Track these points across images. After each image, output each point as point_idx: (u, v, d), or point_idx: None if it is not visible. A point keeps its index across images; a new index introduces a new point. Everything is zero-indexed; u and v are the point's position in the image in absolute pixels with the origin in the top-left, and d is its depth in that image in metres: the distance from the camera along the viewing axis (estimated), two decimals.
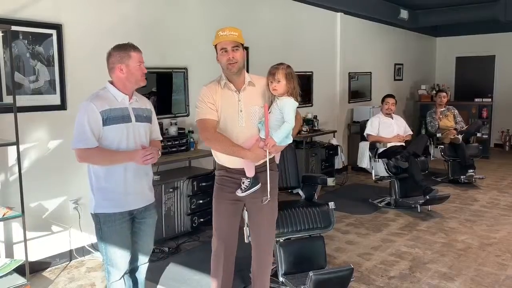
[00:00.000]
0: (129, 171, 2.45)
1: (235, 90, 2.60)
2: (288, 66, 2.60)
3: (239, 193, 2.60)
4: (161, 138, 2.81)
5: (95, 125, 2.35)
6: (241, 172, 2.61)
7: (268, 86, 2.61)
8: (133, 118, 2.49)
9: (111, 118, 2.38)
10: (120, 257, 2.50)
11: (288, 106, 2.53)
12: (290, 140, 2.62)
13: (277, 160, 2.81)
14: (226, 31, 2.55)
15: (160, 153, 2.58)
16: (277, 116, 2.55)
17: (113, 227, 2.44)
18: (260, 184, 2.60)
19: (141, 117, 2.54)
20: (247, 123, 2.58)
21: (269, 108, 2.57)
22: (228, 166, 2.67)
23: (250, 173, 2.58)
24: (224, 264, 2.76)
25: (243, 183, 2.60)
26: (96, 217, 2.47)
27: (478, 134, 7.52)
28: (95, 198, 2.46)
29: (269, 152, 2.56)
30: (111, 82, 2.50)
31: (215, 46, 2.61)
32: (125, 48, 2.46)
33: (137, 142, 2.48)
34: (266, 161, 2.60)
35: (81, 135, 2.34)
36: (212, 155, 4.53)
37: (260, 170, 2.63)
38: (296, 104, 2.56)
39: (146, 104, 2.65)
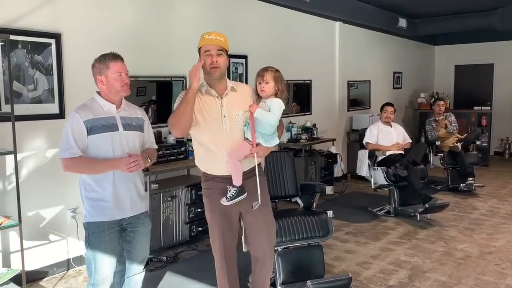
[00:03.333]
0: (118, 179, 2.45)
1: (217, 96, 2.59)
2: (277, 70, 2.61)
3: (224, 202, 2.55)
4: (156, 147, 2.78)
5: (78, 135, 2.37)
6: (228, 179, 2.58)
7: (255, 87, 2.62)
8: (120, 127, 2.48)
9: (95, 127, 2.39)
10: (108, 267, 2.48)
11: (276, 104, 2.52)
12: (276, 141, 2.60)
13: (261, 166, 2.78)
14: (212, 35, 2.55)
15: (150, 160, 2.55)
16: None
17: (102, 237, 2.44)
18: (246, 193, 2.56)
19: (130, 125, 2.53)
20: (232, 128, 2.56)
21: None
22: (214, 173, 2.63)
23: (237, 181, 2.54)
24: (228, 273, 2.74)
25: (229, 191, 2.56)
26: (86, 226, 2.48)
27: (478, 142, 7.53)
28: (85, 208, 2.48)
29: (256, 156, 2.54)
30: (99, 92, 2.52)
31: (199, 49, 2.61)
32: (104, 59, 2.45)
33: (125, 151, 2.46)
34: (252, 168, 2.60)
35: (65, 145, 2.37)
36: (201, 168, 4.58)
37: (246, 177, 2.60)
38: (283, 106, 2.56)
39: (138, 113, 2.63)
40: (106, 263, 2.47)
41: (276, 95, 2.57)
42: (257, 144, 2.52)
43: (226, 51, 2.60)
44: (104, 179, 2.43)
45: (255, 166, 2.60)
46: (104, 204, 2.44)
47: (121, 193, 2.47)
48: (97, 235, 2.44)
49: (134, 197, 2.55)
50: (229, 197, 2.55)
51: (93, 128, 2.38)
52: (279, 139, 2.68)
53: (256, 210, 2.61)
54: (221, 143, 2.55)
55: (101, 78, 2.45)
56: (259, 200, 2.57)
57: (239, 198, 2.55)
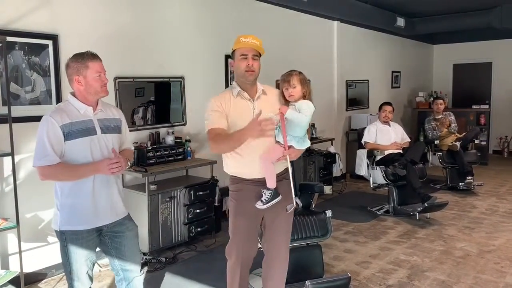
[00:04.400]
0: (97, 184, 2.34)
1: (249, 99, 2.57)
2: (300, 72, 2.60)
3: (259, 205, 2.52)
4: (132, 148, 2.70)
5: (55, 141, 2.24)
6: (259, 182, 2.56)
7: (282, 94, 2.60)
8: (98, 130, 2.37)
9: (73, 132, 2.27)
10: (85, 272, 2.40)
11: (305, 105, 2.50)
12: (308, 144, 2.58)
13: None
14: (249, 38, 2.52)
15: (129, 162, 2.47)
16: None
17: (80, 244, 2.33)
18: (280, 196, 2.54)
19: (108, 128, 2.42)
20: None
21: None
22: (247, 177, 2.59)
23: (272, 183, 2.51)
24: (241, 279, 2.71)
25: (264, 194, 2.53)
26: (62, 234, 2.34)
27: (476, 141, 7.53)
28: (60, 214, 2.34)
29: (289, 159, 2.53)
30: (73, 94, 2.39)
31: (233, 51, 2.57)
32: (82, 58, 2.32)
33: (104, 155, 2.35)
34: (282, 171, 2.60)
35: (41, 152, 2.23)
36: (209, 164, 4.59)
37: (277, 180, 2.57)
38: (314, 107, 2.53)
39: (115, 114, 2.52)
40: (83, 269, 2.39)
41: (304, 97, 2.55)
42: (289, 147, 2.49)
43: (260, 56, 2.59)
44: (82, 184, 2.31)
45: (286, 168, 2.59)
46: (83, 211, 2.33)
47: (102, 198, 2.37)
48: (75, 242, 2.33)
49: (115, 202, 2.45)
50: (264, 201, 2.52)
51: (70, 133, 2.26)
52: (309, 136, 2.66)
53: (279, 214, 2.62)
54: (254, 146, 2.50)
55: (78, 78, 2.30)
56: (294, 203, 2.56)
57: (275, 200, 2.53)
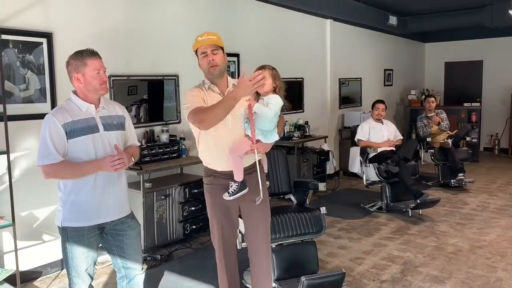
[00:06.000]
0: (99, 182, 2.34)
1: (219, 93, 2.63)
2: (274, 68, 2.64)
3: (226, 197, 2.59)
4: (138, 144, 2.70)
5: (57, 139, 2.24)
6: (229, 175, 2.61)
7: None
8: (101, 128, 2.36)
9: (75, 130, 2.27)
10: (85, 269, 2.41)
11: (273, 100, 2.54)
12: (276, 137, 2.62)
13: (265, 169, 2.77)
14: (204, 36, 2.58)
15: (133, 159, 2.46)
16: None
17: (81, 241, 2.34)
18: (247, 188, 2.60)
19: (110, 125, 2.41)
20: (234, 124, 2.58)
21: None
22: (217, 169, 2.66)
23: (239, 176, 2.57)
24: (227, 265, 2.80)
25: (231, 186, 2.60)
26: (64, 230, 2.37)
27: (468, 138, 7.61)
28: (63, 210, 2.36)
29: (257, 152, 2.57)
30: (75, 92, 2.38)
31: (196, 52, 2.64)
32: (81, 55, 2.31)
33: (107, 152, 2.34)
34: (253, 164, 2.64)
35: (44, 151, 2.24)
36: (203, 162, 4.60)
37: (247, 173, 2.63)
38: (282, 102, 2.57)
39: (118, 110, 2.51)
40: (83, 266, 2.40)
41: (274, 92, 2.59)
42: (257, 141, 2.55)
43: (222, 48, 2.62)
44: (85, 182, 2.31)
45: (255, 162, 2.63)
46: (85, 209, 2.33)
47: (104, 195, 2.37)
48: (76, 239, 2.34)
49: (118, 199, 2.44)
50: (231, 192, 2.58)
51: (72, 131, 2.27)
52: (279, 134, 2.70)
53: (255, 206, 2.66)
54: (223, 140, 2.57)
55: (77, 76, 2.30)
56: (261, 195, 2.61)
57: (241, 193, 2.58)
